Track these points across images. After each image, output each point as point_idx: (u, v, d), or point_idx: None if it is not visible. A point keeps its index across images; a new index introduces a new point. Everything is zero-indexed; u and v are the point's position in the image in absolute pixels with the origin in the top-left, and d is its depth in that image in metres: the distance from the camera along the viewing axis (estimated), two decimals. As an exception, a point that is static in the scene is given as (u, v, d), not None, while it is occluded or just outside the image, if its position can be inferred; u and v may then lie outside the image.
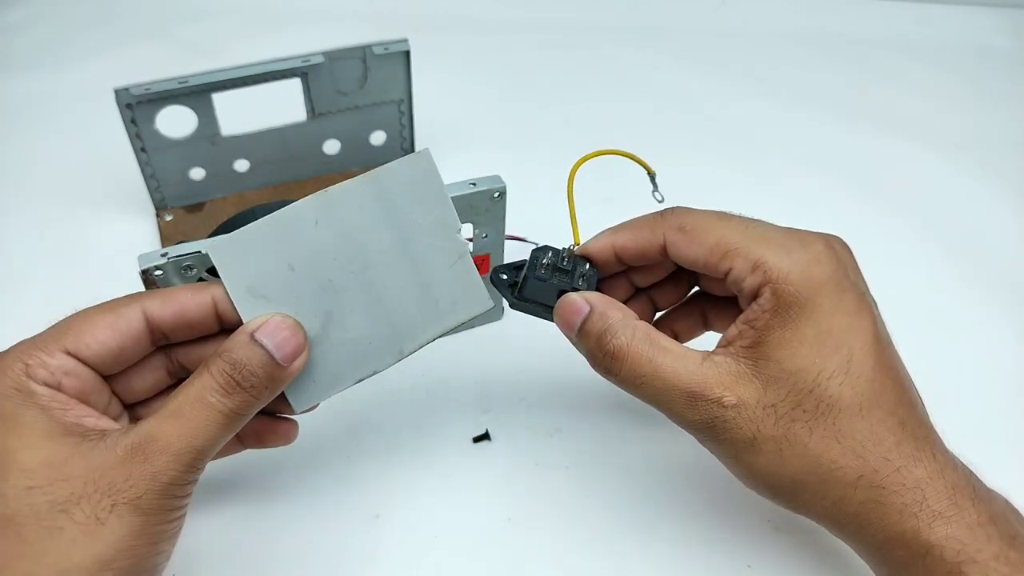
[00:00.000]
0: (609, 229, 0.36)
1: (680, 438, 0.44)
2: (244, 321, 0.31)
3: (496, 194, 0.41)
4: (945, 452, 0.30)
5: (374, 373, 0.33)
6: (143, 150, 0.53)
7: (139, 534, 0.26)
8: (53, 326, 0.29)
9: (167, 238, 0.55)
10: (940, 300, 0.53)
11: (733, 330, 0.31)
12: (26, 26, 0.84)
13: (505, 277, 0.36)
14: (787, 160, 0.67)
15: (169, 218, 0.56)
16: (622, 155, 0.37)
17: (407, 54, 0.57)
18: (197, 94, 0.52)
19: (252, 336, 0.29)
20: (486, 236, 0.43)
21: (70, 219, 0.58)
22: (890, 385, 0.30)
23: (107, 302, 0.30)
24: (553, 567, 0.38)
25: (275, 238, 0.32)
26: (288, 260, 0.31)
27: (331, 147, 0.60)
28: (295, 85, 0.55)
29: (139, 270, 0.36)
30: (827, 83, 0.78)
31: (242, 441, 0.35)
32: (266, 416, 0.34)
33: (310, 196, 0.32)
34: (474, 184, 0.41)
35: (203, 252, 0.37)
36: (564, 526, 0.39)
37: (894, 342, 0.32)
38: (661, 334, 0.32)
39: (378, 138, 0.61)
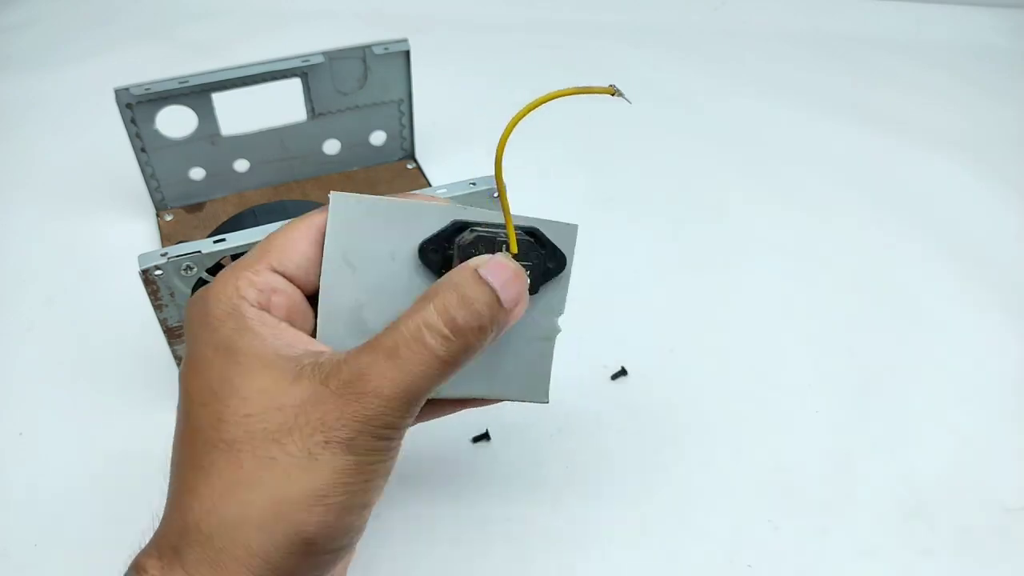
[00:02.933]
0: None
1: (679, 437, 0.44)
2: (322, 278, 0.29)
3: (496, 194, 0.41)
4: None
5: None
6: (143, 150, 0.53)
7: (353, 472, 0.25)
8: (257, 246, 0.29)
9: (167, 238, 0.55)
10: (939, 300, 0.53)
11: None
12: (26, 26, 0.84)
13: (436, 257, 0.30)
14: (787, 160, 0.67)
15: (169, 218, 0.56)
16: (568, 94, 0.29)
17: (407, 54, 0.57)
18: (197, 94, 0.52)
19: (477, 272, 0.27)
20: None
21: (70, 219, 0.58)
22: None
23: (296, 218, 0.30)
24: (553, 567, 0.38)
25: (396, 222, 0.30)
26: (393, 249, 0.30)
27: (331, 147, 0.60)
28: (295, 85, 0.55)
29: (139, 270, 0.36)
30: (827, 83, 0.78)
31: (419, 418, 0.33)
32: None
33: (453, 205, 0.30)
34: (474, 184, 0.41)
35: (202, 252, 0.37)
36: (564, 526, 0.39)
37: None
38: None
39: (378, 138, 0.61)
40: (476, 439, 0.43)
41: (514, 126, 0.28)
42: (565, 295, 0.32)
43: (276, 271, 0.29)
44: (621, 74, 0.79)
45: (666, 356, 0.48)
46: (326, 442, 0.25)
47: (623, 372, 0.47)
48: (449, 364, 0.26)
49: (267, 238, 0.29)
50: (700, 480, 0.42)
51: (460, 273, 0.27)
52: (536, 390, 0.33)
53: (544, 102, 0.28)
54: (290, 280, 0.29)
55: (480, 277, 0.27)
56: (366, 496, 0.26)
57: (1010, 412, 0.46)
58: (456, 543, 0.39)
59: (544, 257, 0.30)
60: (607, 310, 0.51)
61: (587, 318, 0.50)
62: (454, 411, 0.35)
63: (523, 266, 0.29)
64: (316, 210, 0.30)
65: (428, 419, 0.35)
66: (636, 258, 0.56)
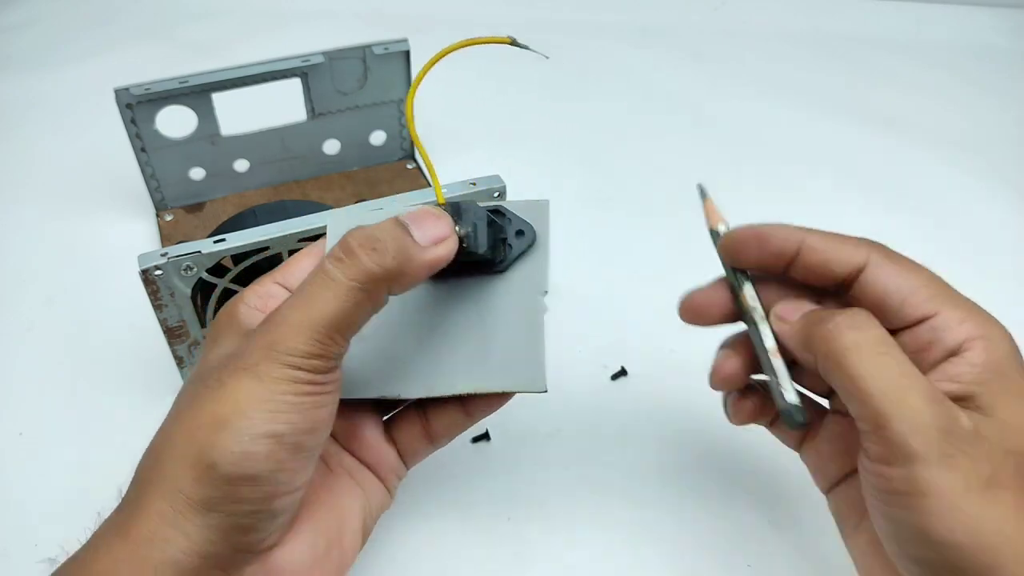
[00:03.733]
0: (794, 226, 0.30)
1: (679, 438, 0.44)
2: None
3: (496, 194, 0.41)
4: None
5: (397, 396, 0.32)
6: (143, 150, 0.53)
7: (257, 400, 0.26)
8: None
9: (167, 238, 0.55)
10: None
11: None
12: (26, 26, 0.84)
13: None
14: (787, 160, 0.67)
15: (169, 218, 0.57)
16: (468, 45, 0.31)
17: (407, 54, 0.57)
18: (197, 94, 0.52)
19: (395, 217, 0.29)
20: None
21: (70, 219, 0.58)
22: None
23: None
24: (553, 566, 0.38)
25: None
26: None
27: (331, 147, 0.60)
28: (295, 85, 0.55)
29: (139, 270, 0.36)
30: (827, 83, 0.78)
31: (433, 441, 0.34)
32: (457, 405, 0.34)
33: (435, 205, 0.31)
34: (474, 184, 0.41)
35: (202, 252, 0.37)
36: (564, 526, 0.39)
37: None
38: None
39: (378, 138, 0.61)
40: (476, 439, 0.43)
41: (418, 83, 0.32)
42: (546, 271, 0.32)
43: (278, 284, 0.32)
44: (621, 74, 0.79)
45: (666, 356, 0.48)
46: (234, 370, 0.27)
47: (623, 372, 0.47)
48: (350, 288, 0.27)
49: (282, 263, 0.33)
50: (700, 479, 0.41)
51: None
52: (532, 378, 0.32)
53: (443, 56, 0.31)
54: (289, 291, 0.32)
55: (394, 217, 0.28)
56: (271, 427, 0.26)
57: (1010, 412, 0.46)
58: (456, 543, 0.39)
59: (508, 227, 0.31)
60: (607, 310, 0.51)
61: (587, 318, 0.50)
62: (466, 425, 0.35)
63: (466, 225, 0.29)
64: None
65: (443, 443, 0.35)
66: (636, 258, 0.56)
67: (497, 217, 0.31)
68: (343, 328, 0.27)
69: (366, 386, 0.32)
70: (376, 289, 0.27)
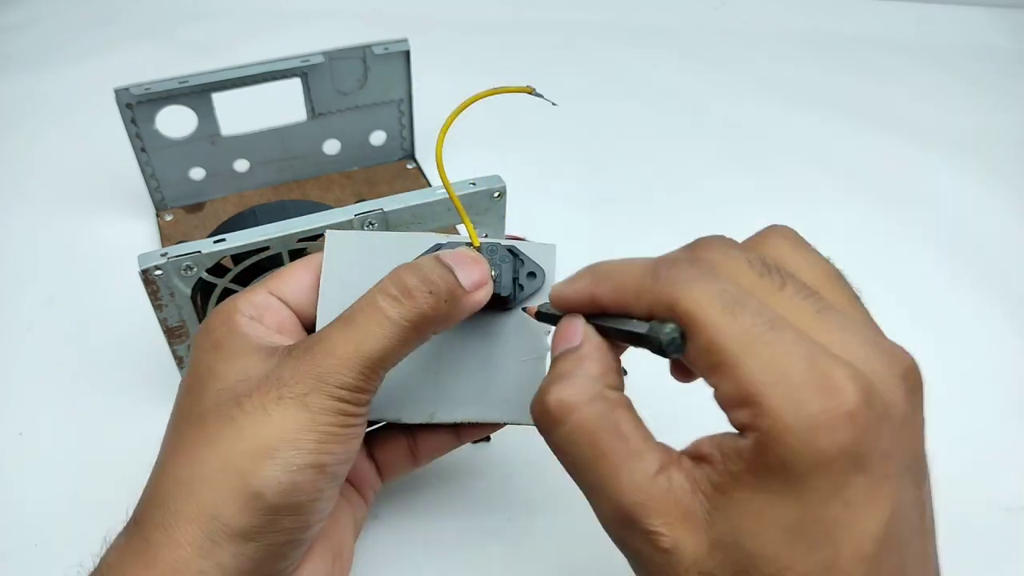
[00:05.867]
0: (586, 273, 0.27)
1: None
2: (319, 305, 0.31)
3: (496, 194, 0.41)
4: None
5: (398, 420, 0.33)
6: (143, 150, 0.53)
7: (304, 429, 0.26)
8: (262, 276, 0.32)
9: (167, 238, 0.55)
10: (940, 300, 0.53)
11: (707, 447, 0.24)
12: (26, 26, 0.84)
13: None
14: (787, 160, 0.67)
15: (169, 218, 0.57)
16: (488, 95, 0.32)
17: (407, 54, 0.57)
18: (197, 94, 0.52)
19: (438, 257, 0.29)
20: (486, 235, 0.44)
21: (70, 219, 0.58)
22: None
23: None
24: (553, 567, 0.38)
25: (386, 252, 0.31)
26: (384, 276, 0.31)
27: (331, 147, 0.60)
28: (295, 85, 0.55)
29: (139, 270, 0.36)
30: (827, 83, 0.78)
31: (417, 461, 0.35)
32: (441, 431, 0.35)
33: (437, 234, 0.33)
34: (474, 184, 0.41)
35: (202, 252, 0.37)
36: (564, 526, 0.39)
37: (894, 340, 0.25)
38: (629, 416, 0.26)
39: (378, 138, 0.61)
40: (476, 440, 0.43)
41: (444, 134, 0.32)
42: None
43: (272, 294, 0.31)
44: (621, 74, 0.79)
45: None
46: (279, 398, 0.26)
47: (623, 372, 0.47)
48: (402, 328, 0.27)
49: (272, 271, 0.33)
50: (700, 480, 0.41)
51: (420, 257, 0.30)
52: (526, 414, 0.33)
53: (467, 106, 0.32)
54: (287, 305, 0.31)
55: (437, 257, 0.29)
56: (317, 457, 0.26)
57: (1010, 412, 0.46)
58: (456, 544, 0.39)
59: (520, 268, 0.32)
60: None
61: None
62: (453, 447, 0.36)
63: (495, 267, 0.31)
64: (317, 252, 0.33)
65: (425, 463, 0.36)
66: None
67: (510, 253, 0.32)
68: (389, 364, 0.28)
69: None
70: (426, 330, 0.28)
